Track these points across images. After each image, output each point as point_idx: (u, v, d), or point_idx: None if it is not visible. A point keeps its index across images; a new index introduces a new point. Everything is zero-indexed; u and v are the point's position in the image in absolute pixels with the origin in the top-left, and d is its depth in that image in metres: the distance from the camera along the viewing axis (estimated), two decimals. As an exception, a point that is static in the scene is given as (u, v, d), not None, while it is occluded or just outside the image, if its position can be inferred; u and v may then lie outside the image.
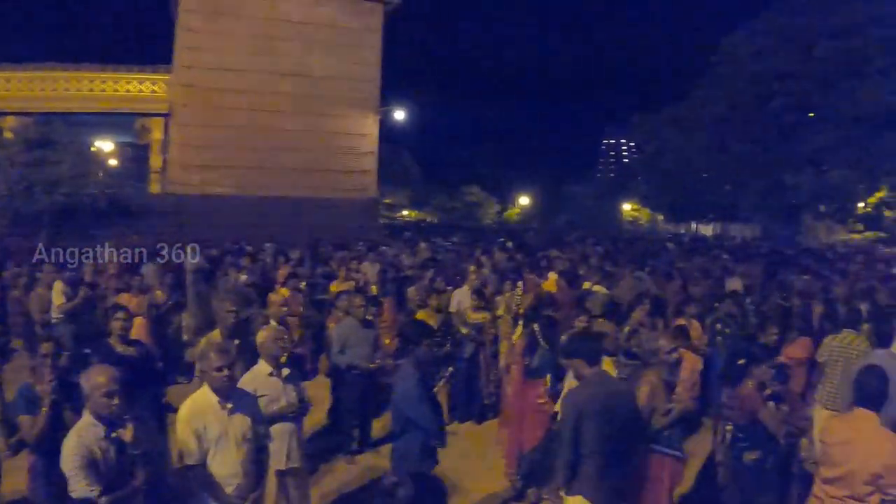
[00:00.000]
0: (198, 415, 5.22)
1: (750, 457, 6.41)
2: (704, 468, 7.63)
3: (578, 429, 5.36)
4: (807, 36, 44.92)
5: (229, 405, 5.31)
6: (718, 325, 10.98)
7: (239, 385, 5.86)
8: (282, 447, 6.36)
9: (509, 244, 25.64)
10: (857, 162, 42.73)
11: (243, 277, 13.90)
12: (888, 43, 42.20)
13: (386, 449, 7.80)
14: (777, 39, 46.94)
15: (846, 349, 8.76)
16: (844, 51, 43.14)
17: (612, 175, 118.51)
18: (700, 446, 9.12)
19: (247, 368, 6.55)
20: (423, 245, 23.70)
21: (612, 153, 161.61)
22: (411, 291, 13.04)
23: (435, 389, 9.54)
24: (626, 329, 9.50)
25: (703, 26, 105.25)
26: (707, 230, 70.10)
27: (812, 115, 45.72)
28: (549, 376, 7.96)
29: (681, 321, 10.07)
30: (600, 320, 9.42)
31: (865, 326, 9.46)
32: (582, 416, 5.37)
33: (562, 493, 5.53)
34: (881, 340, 8.37)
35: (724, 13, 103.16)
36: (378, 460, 8.87)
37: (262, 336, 6.57)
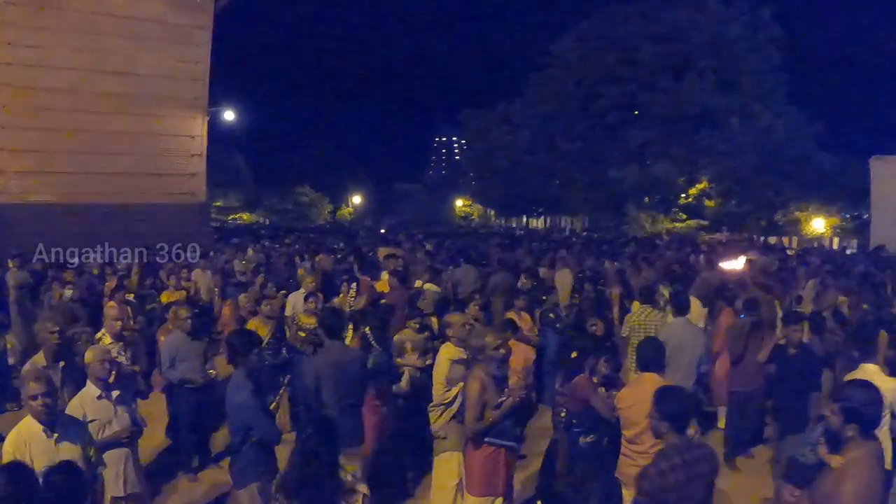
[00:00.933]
0: (22, 446, 5.01)
1: (585, 440, 6.71)
2: (546, 452, 7.82)
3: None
4: (631, 40, 47.34)
5: (55, 434, 5.10)
6: (551, 315, 11.33)
7: (67, 411, 5.65)
8: (117, 473, 6.13)
9: (340, 245, 25.39)
10: (678, 157, 45.20)
11: (68, 293, 13.27)
12: (706, 48, 45.17)
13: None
14: (603, 43, 49.03)
15: (644, 322, 10.01)
16: (666, 55, 45.73)
17: (444, 172, 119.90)
18: (541, 431, 9.39)
19: (76, 391, 6.27)
20: (252, 249, 23.14)
21: (444, 151, 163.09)
22: (242, 298, 12.57)
23: (276, 398, 9.51)
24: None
25: (534, 28, 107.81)
26: (538, 223, 71.90)
27: (636, 113, 48.07)
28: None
29: (510, 314, 10.32)
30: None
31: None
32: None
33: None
34: (678, 310, 9.65)
35: (553, 16, 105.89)
36: (221, 475, 8.61)
37: (88, 357, 6.28)
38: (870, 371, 6.77)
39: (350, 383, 6.95)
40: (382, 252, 19.53)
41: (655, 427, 4.88)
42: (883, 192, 26.91)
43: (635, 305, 11.56)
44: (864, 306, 11.99)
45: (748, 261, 16.81)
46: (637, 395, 6.00)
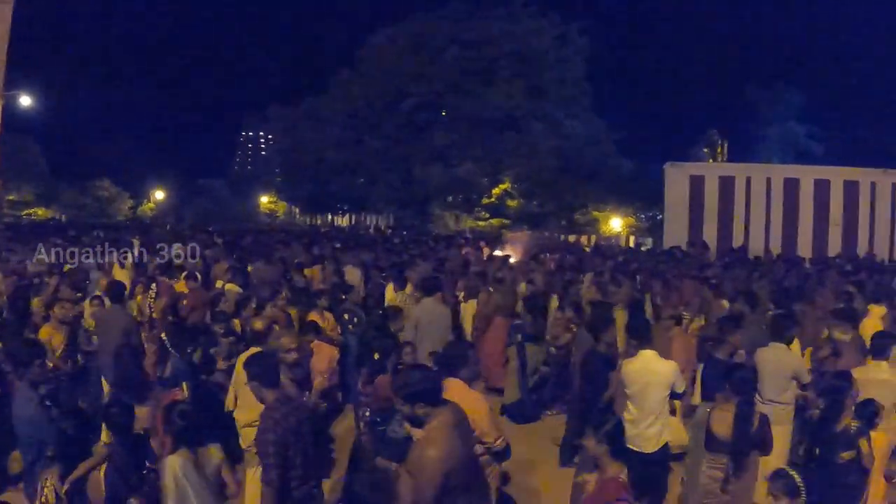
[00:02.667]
0: None
1: (392, 435, 6.60)
2: (352, 451, 7.76)
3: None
4: (441, 44, 48.07)
5: None
6: (346, 316, 11.15)
7: None
8: None
9: (137, 241, 24.31)
10: (482, 158, 46.41)
11: None
12: (514, 56, 46.68)
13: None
14: (414, 44, 49.46)
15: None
16: (474, 59, 46.91)
17: (249, 168, 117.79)
18: (347, 431, 9.20)
19: None
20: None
21: (250, 146, 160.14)
22: (35, 303, 11.35)
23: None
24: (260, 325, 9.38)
25: (345, 25, 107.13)
26: (343, 221, 71.74)
27: (444, 114, 48.99)
28: (185, 384, 7.73)
29: (313, 316, 10.13)
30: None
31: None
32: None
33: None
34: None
35: (364, 14, 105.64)
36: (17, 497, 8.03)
37: None
38: (649, 356, 7.25)
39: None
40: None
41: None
42: (675, 195, 28.45)
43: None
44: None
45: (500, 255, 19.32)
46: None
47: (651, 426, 7.14)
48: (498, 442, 6.06)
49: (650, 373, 7.19)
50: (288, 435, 5.21)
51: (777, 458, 7.87)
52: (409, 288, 12.85)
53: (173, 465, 5.04)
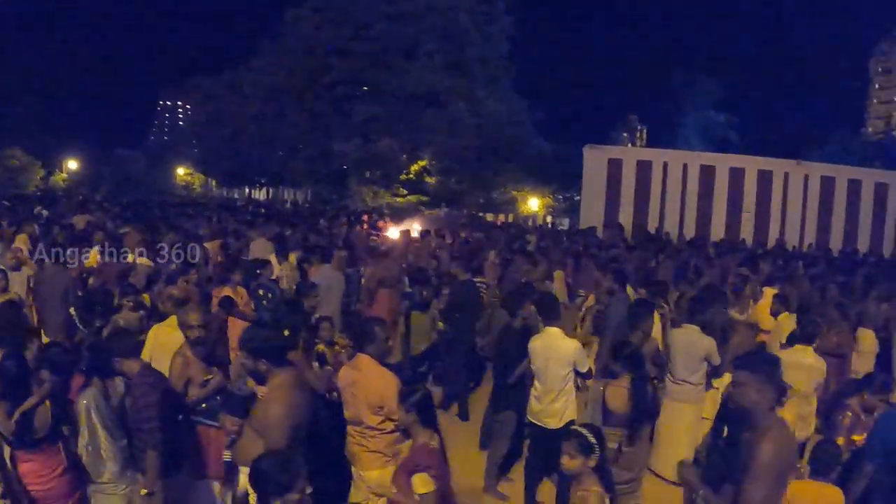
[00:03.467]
0: None
1: (237, 391, 6.58)
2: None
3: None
4: (365, 16, 47.44)
5: None
6: (261, 291, 10.91)
7: None
8: None
9: (44, 213, 23.64)
10: (402, 134, 46.17)
11: None
12: (439, 32, 46.35)
13: None
14: (337, 16, 48.78)
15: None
16: (398, 34, 46.49)
17: (166, 139, 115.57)
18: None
19: None
20: None
21: (168, 116, 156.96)
22: None
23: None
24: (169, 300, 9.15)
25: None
26: (260, 195, 70.90)
27: (365, 88, 48.54)
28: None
29: (226, 290, 9.95)
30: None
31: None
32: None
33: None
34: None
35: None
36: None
37: None
38: (554, 333, 7.37)
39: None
40: (80, 221, 18.46)
41: None
42: (593, 177, 28.87)
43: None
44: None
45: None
46: (354, 376, 6.03)
47: (554, 402, 7.28)
48: (408, 420, 6.03)
49: (552, 349, 7.31)
50: (153, 408, 5.43)
51: (687, 434, 8.13)
52: (292, 258, 13.39)
53: (84, 399, 5.70)
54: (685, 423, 8.27)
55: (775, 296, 11.41)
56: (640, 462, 6.60)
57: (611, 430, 6.14)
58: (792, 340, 8.60)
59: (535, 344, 7.44)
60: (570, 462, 4.71)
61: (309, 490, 3.88)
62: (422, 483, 4.69)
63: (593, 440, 4.69)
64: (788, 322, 9.92)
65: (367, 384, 5.87)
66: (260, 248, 14.91)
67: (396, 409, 5.66)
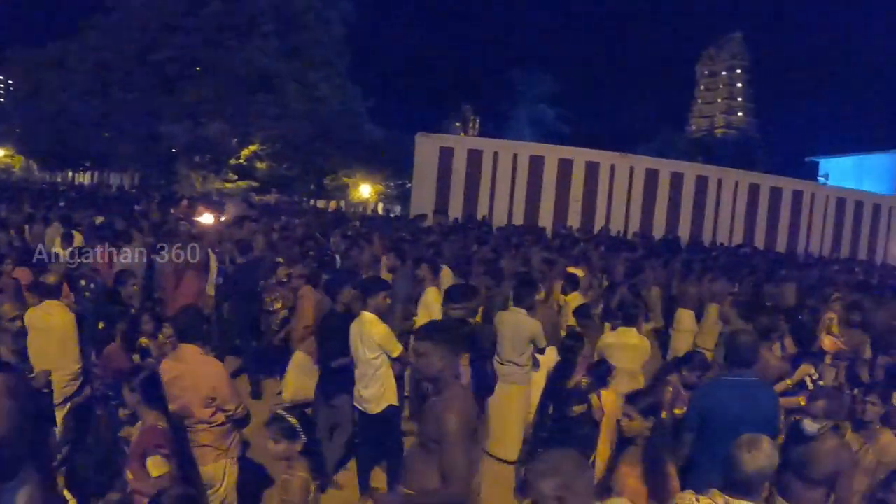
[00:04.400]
0: None
1: (125, 413, 6.25)
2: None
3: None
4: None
5: None
6: (83, 282, 10.18)
7: None
8: None
9: None
10: (233, 117, 45.11)
11: None
12: (273, 12, 45.47)
13: None
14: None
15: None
16: (234, 14, 45.23)
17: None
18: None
19: None
20: None
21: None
22: None
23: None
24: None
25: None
26: (85, 179, 67.90)
27: (198, 69, 47.05)
28: None
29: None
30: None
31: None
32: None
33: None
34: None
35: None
36: None
37: None
38: (366, 318, 7.37)
39: None
40: None
41: None
42: (424, 165, 29.07)
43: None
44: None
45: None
46: (179, 368, 5.87)
47: (368, 387, 7.33)
48: (239, 410, 5.98)
49: (358, 333, 7.40)
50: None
51: (516, 414, 8.41)
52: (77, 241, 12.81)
53: None
54: (514, 403, 8.57)
55: (567, 276, 12.13)
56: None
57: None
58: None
59: (352, 328, 7.49)
60: (275, 447, 4.69)
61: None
62: (155, 466, 4.70)
63: (296, 424, 4.67)
64: (576, 300, 10.72)
65: (195, 376, 5.77)
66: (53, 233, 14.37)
67: (228, 399, 5.59)
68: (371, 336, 7.27)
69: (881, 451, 5.96)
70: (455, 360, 4.65)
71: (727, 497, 3.86)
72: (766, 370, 7.08)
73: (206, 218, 19.26)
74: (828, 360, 9.82)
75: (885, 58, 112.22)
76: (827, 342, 9.71)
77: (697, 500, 3.92)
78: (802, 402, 6.47)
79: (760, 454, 3.89)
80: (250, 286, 11.45)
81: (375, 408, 7.29)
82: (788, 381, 7.44)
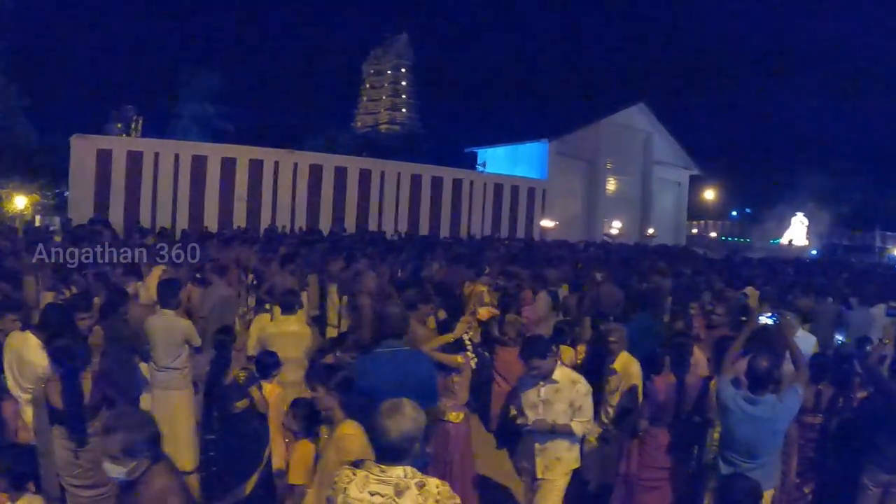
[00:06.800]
0: None
1: None
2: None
3: None
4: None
5: None
6: None
7: None
8: None
9: None
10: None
11: None
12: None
13: None
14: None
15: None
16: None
17: None
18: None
19: None
20: None
21: None
22: None
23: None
24: None
25: None
26: None
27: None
28: None
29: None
30: None
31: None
32: None
33: None
34: None
35: None
36: None
37: None
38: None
39: None
40: None
41: None
42: (82, 169, 27.31)
43: None
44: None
45: None
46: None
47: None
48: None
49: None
50: None
51: (184, 420, 8.03)
52: None
53: None
54: (181, 409, 8.21)
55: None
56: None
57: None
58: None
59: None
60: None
61: None
62: None
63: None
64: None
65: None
66: None
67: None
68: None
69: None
70: None
71: (381, 465, 3.88)
72: (415, 339, 7.24)
73: None
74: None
75: (532, 55, 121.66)
76: (483, 312, 10.12)
77: (354, 474, 3.91)
78: (460, 361, 7.04)
79: (403, 418, 3.92)
80: None
81: None
82: (450, 336, 7.58)
